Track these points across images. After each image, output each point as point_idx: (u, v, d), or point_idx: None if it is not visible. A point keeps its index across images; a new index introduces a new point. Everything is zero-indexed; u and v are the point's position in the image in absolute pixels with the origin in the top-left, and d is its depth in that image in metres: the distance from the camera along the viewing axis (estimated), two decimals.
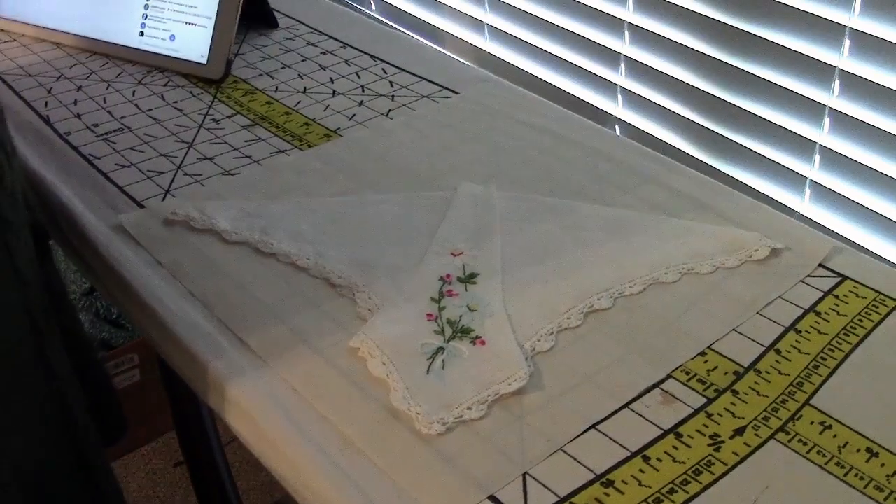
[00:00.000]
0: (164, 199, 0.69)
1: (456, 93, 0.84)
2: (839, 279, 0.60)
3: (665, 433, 0.49)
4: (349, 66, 0.89)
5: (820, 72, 0.89)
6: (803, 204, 0.95)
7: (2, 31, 0.96)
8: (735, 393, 0.51)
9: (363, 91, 0.85)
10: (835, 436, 0.49)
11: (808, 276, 0.60)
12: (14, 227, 0.56)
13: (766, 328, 0.56)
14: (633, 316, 0.57)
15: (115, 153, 0.75)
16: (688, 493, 0.45)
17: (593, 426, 0.49)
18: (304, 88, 0.85)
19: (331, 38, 0.95)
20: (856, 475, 0.46)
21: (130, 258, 0.62)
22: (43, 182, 0.71)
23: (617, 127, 1.13)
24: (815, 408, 0.50)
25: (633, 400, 0.51)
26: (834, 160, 0.91)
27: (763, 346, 0.55)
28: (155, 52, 0.89)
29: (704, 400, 0.51)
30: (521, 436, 0.49)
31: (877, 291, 0.59)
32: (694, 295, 0.59)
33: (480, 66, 1.04)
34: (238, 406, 0.52)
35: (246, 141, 0.77)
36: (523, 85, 0.86)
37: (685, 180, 0.71)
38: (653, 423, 0.50)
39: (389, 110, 0.81)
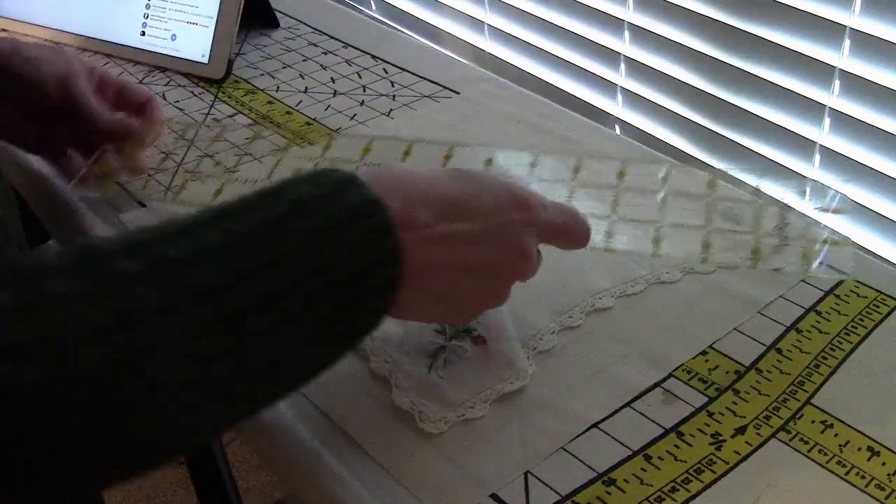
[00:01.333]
0: (164, 196, 0.68)
1: (457, 93, 0.84)
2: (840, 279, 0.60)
3: (666, 432, 0.49)
4: (350, 65, 0.89)
5: (820, 72, 0.89)
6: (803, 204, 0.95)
7: (3, 30, 0.96)
8: (736, 392, 0.51)
9: (364, 91, 0.85)
10: (836, 435, 0.49)
11: (809, 275, 0.60)
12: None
13: (768, 327, 0.56)
14: (635, 315, 0.57)
15: None
16: (689, 491, 0.46)
17: (595, 425, 0.49)
18: (306, 88, 0.85)
19: (332, 37, 0.95)
20: (857, 474, 0.46)
21: None
22: (45, 181, 0.71)
23: (617, 127, 1.13)
24: (817, 407, 0.50)
25: (635, 399, 0.51)
26: (834, 160, 0.91)
27: (764, 345, 0.55)
28: (156, 51, 0.89)
29: (706, 399, 0.51)
30: (523, 434, 0.49)
31: (878, 291, 0.59)
32: (695, 294, 0.59)
33: (480, 66, 1.04)
34: None
35: (247, 140, 0.77)
36: (523, 85, 0.86)
37: (685, 179, 0.71)
38: (654, 422, 0.50)
39: (390, 110, 0.81)
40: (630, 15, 1.06)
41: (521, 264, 0.47)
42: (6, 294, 0.31)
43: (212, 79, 0.86)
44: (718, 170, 0.57)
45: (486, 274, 0.46)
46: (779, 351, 0.54)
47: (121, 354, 0.32)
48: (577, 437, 0.49)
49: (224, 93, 0.85)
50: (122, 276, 0.33)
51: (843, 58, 0.87)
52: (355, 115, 0.80)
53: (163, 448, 0.36)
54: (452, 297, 0.45)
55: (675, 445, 0.48)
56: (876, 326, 0.56)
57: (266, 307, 0.36)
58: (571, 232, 0.50)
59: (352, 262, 0.39)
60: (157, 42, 0.89)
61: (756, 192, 0.62)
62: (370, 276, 0.39)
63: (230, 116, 0.80)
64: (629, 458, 0.48)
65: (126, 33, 0.90)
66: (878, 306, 0.57)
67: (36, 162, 0.73)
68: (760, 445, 0.48)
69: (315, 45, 0.94)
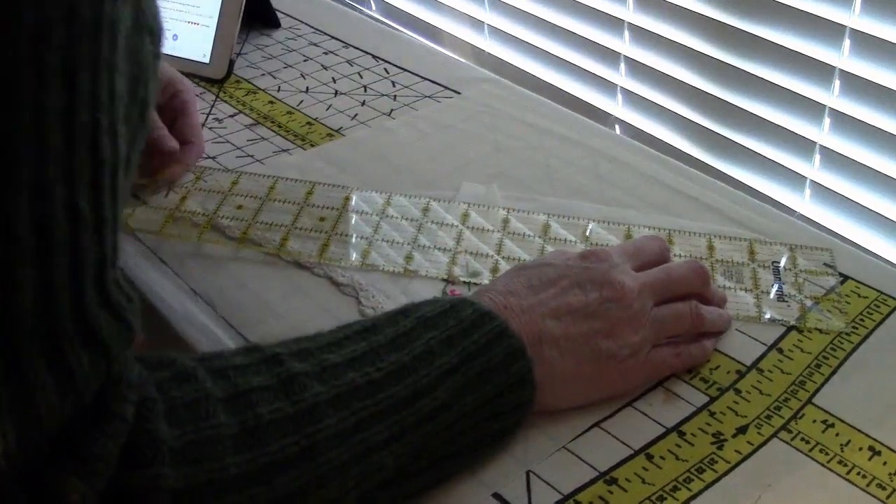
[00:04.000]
0: (166, 195, 0.69)
1: (457, 93, 0.84)
2: (841, 279, 0.60)
3: (668, 431, 0.49)
4: (351, 65, 0.90)
5: (820, 72, 0.89)
6: (803, 204, 0.96)
7: None
8: (738, 391, 0.51)
9: (365, 91, 0.85)
10: (837, 434, 0.49)
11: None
12: None
13: (769, 327, 0.56)
14: None
15: None
16: (691, 490, 0.46)
17: (597, 424, 0.50)
18: (307, 88, 0.85)
19: (333, 38, 0.95)
20: (858, 473, 0.46)
21: (132, 255, 0.63)
22: None
23: (617, 127, 1.13)
24: (818, 406, 0.50)
25: (637, 398, 0.51)
26: (834, 160, 0.91)
27: (765, 344, 0.55)
28: None
29: (707, 398, 0.51)
30: (525, 434, 0.49)
31: (878, 291, 0.59)
32: None
33: (480, 66, 1.04)
34: None
35: (248, 140, 0.77)
36: (523, 85, 0.86)
37: (685, 180, 0.71)
38: (656, 422, 0.50)
39: (391, 110, 0.81)
40: (630, 15, 1.06)
41: (617, 295, 0.50)
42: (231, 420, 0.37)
43: (213, 79, 0.86)
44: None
45: (593, 319, 0.49)
46: (780, 351, 0.54)
47: (306, 442, 0.38)
48: (579, 436, 0.49)
49: (225, 93, 0.85)
50: (299, 375, 0.40)
51: (843, 58, 0.87)
52: (356, 115, 0.81)
53: None
54: (580, 348, 0.49)
55: (677, 445, 0.48)
56: (877, 326, 0.56)
57: (413, 401, 0.42)
58: (646, 247, 0.56)
59: (480, 361, 0.45)
60: None
61: (750, 250, 0.63)
62: (500, 370, 0.45)
63: (231, 116, 0.80)
64: (631, 457, 0.48)
65: None
66: (878, 306, 0.57)
67: None
68: (762, 445, 0.48)
69: (316, 45, 0.94)
